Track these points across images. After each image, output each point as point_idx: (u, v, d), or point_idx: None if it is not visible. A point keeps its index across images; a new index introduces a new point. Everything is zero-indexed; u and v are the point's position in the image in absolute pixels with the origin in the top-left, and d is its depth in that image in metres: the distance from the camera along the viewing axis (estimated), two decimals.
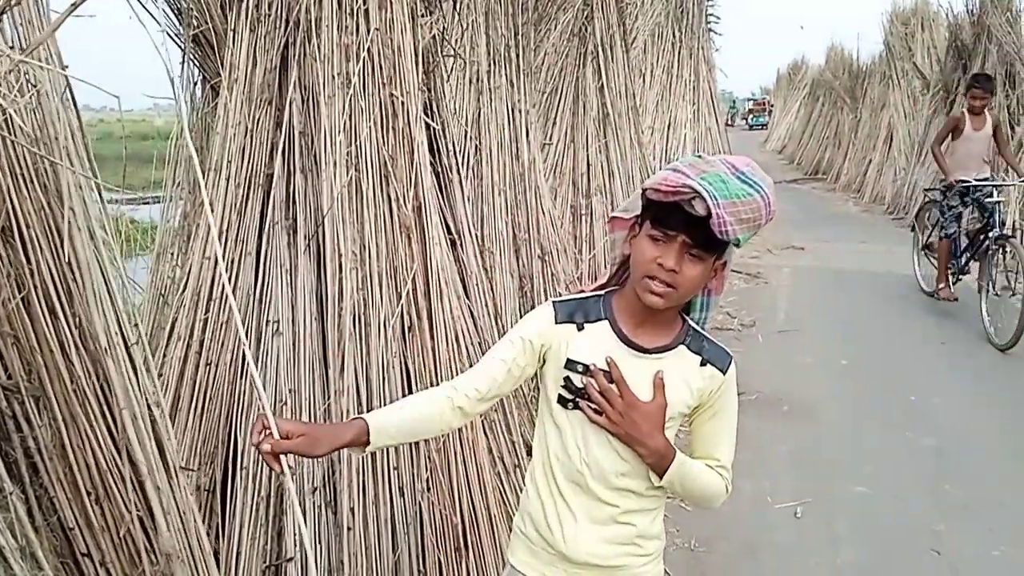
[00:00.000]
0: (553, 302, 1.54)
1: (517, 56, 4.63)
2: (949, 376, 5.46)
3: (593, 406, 1.46)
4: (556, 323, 1.50)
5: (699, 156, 1.41)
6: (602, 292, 1.55)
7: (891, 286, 8.27)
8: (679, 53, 10.89)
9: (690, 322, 1.53)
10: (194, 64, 2.95)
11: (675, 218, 1.36)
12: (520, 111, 4.65)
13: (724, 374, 1.52)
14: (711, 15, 11.89)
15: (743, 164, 1.39)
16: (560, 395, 1.50)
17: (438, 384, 2.56)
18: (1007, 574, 3.18)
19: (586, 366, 1.46)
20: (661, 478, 1.49)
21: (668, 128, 10.77)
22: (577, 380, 1.47)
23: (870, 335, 6.51)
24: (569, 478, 1.51)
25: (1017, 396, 5.07)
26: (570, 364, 1.48)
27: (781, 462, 4.14)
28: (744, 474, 3.94)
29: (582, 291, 1.58)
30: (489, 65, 4.47)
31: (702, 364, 1.50)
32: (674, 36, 10.83)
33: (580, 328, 1.49)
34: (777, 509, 3.65)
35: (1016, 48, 11.08)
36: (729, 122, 28.14)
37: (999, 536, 3.41)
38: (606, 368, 1.45)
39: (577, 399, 1.48)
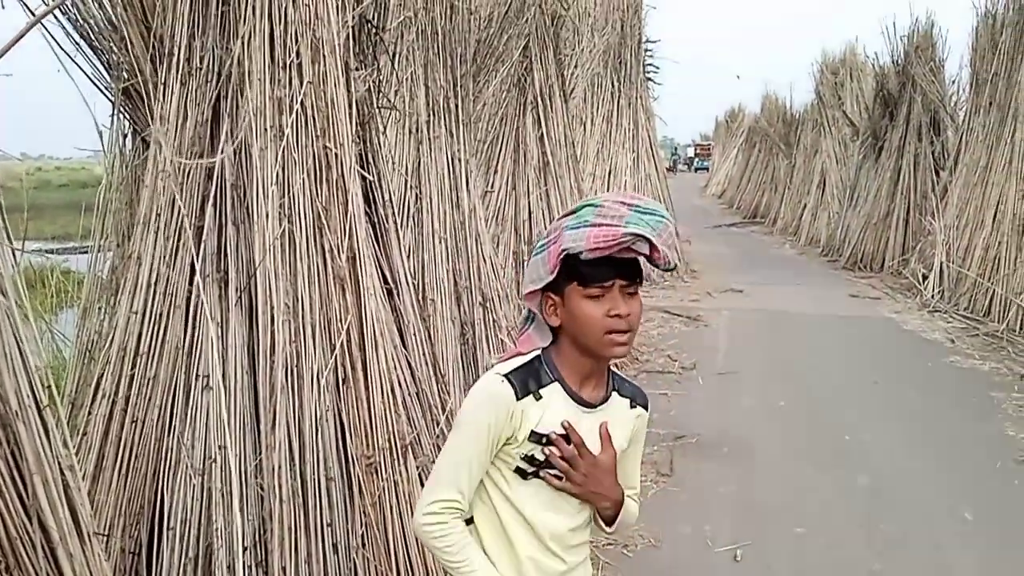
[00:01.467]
0: (506, 376, 1.45)
1: (456, 107, 4.69)
2: (881, 415, 5.60)
3: (554, 472, 1.45)
4: (518, 399, 1.44)
5: (592, 204, 1.40)
6: (537, 353, 1.50)
7: (825, 327, 8.50)
8: (618, 102, 11.16)
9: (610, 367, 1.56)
10: (124, 116, 2.92)
11: (607, 269, 1.39)
12: (460, 160, 4.70)
13: (646, 409, 1.59)
14: (649, 65, 12.23)
15: (631, 198, 1.41)
16: (518, 468, 1.47)
17: (374, 438, 2.57)
18: None
19: (547, 436, 1.44)
20: (610, 524, 1.53)
21: (609, 175, 10.98)
22: (539, 452, 1.45)
23: (806, 376, 6.66)
24: (528, 549, 1.47)
25: (947, 434, 5.22)
26: (534, 436, 1.44)
27: (721, 504, 4.17)
28: (685, 517, 3.97)
29: (518, 353, 1.52)
30: (428, 115, 4.52)
31: (632, 406, 1.56)
32: (613, 86, 11.10)
33: (538, 397, 1.45)
34: (717, 552, 3.67)
35: (939, 96, 11.64)
36: (670, 168, 28.58)
37: (932, 573, 3.48)
38: (563, 432, 1.44)
39: (539, 469, 1.46)
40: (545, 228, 6.71)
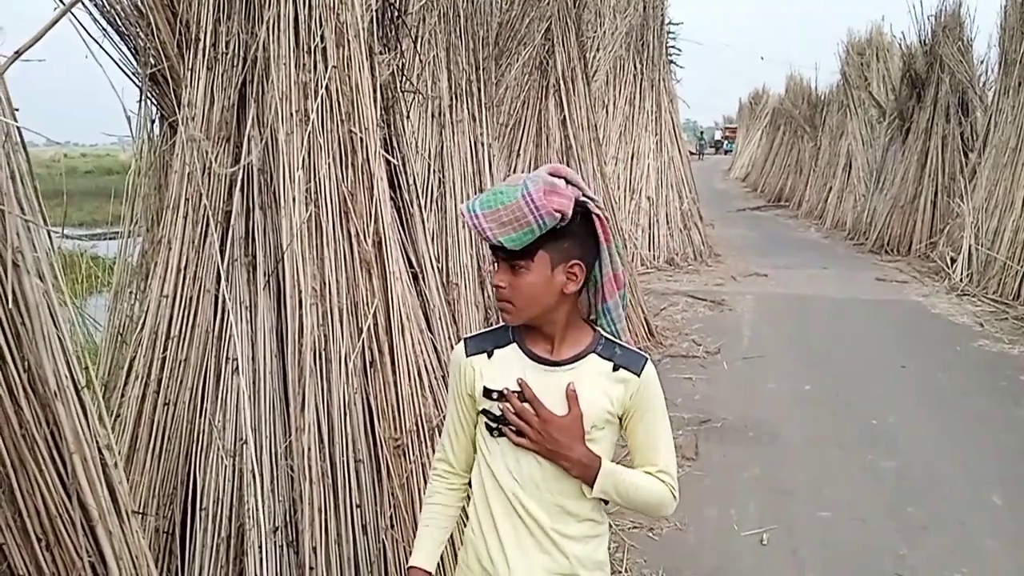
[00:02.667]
0: (464, 339, 1.59)
1: (479, 90, 4.68)
2: (908, 399, 5.55)
3: (514, 429, 1.50)
4: (467, 356, 1.55)
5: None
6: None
7: (852, 311, 8.42)
8: (640, 85, 11.07)
9: (600, 331, 1.56)
10: (151, 102, 2.94)
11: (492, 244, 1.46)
12: (483, 144, 4.69)
13: (639, 376, 1.53)
14: (671, 47, 12.12)
15: (540, 171, 1.47)
16: (486, 424, 1.54)
17: (401, 421, 2.59)
18: None
19: (500, 392, 1.51)
20: (591, 489, 1.52)
21: (631, 158, 10.92)
22: (495, 408, 1.52)
23: (832, 359, 6.60)
24: (505, 507, 1.53)
25: (975, 418, 5.17)
26: (487, 392, 1.52)
27: (747, 488, 4.16)
28: (710, 501, 3.97)
29: None
30: (451, 99, 4.51)
31: (614, 369, 1.53)
32: (635, 68, 11.01)
33: (490, 355, 1.54)
34: (743, 536, 3.66)
35: (968, 76, 11.44)
36: (695, 152, 28.01)
37: (960, 558, 3.45)
38: (518, 389, 1.49)
39: (500, 427, 1.52)
40: None
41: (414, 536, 2.51)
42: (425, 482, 2.58)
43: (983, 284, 8.86)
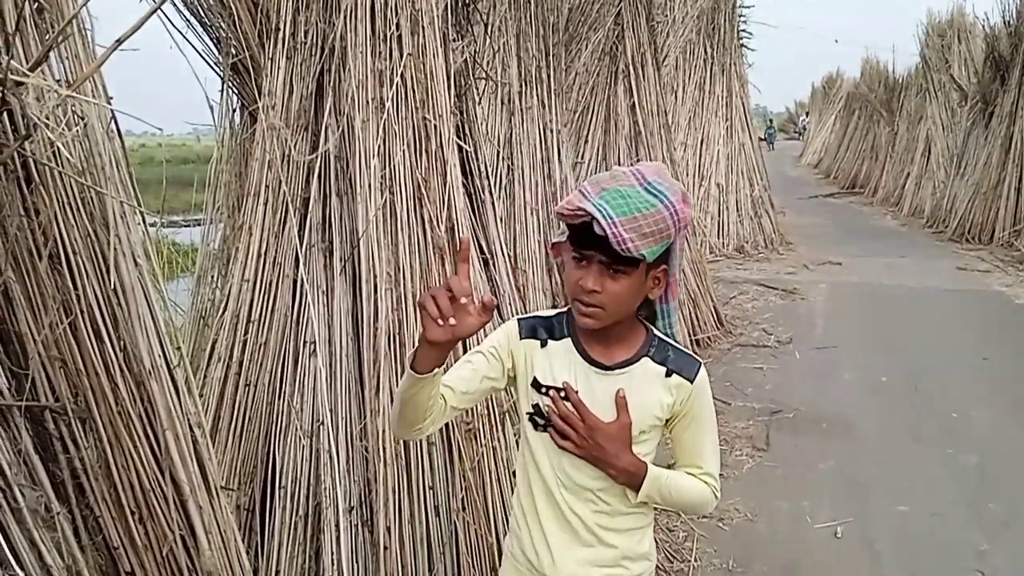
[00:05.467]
0: (518, 319, 1.54)
1: (548, 76, 4.67)
2: (991, 392, 5.35)
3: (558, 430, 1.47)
4: (520, 339, 1.50)
5: (611, 172, 1.41)
6: (567, 309, 1.52)
7: (930, 301, 8.14)
8: (711, 69, 10.87)
9: (655, 331, 1.51)
10: (233, 91, 3.02)
11: (587, 238, 1.35)
12: (552, 131, 4.68)
13: (692, 382, 1.48)
14: (743, 31, 11.85)
15: (652, 173, 1.39)
16: (532, 417, 1.50)
17: (473, 406, 2.61)
18: None
19: (547, 387, 1.47)
20: (637, 494, 1.49)
21: (701, 144, 10.75)
22: (543, 402, 1.48)
23: (909, 351, 6.40)
24: (548, 499, 1.51)
25: None
26: (536, 384, 1.48)
27: (820, 481, 4.08)
28: (782, 493, 3.90)
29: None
30: (520, 86, 4.51)
31: (668, 375, 1.47)
32: (706, 52, 10.81)
33: (543, 344, 1.49)
34: (817, 529, 3.59)
35: None
36: (764, 138, 26.90)
37: None
38: (565, 390, 1.45)
39: (547, 423, 1.48)
40: None
41: (485, 519, 2.55)
42: (496, 465, 2.62)
43: None
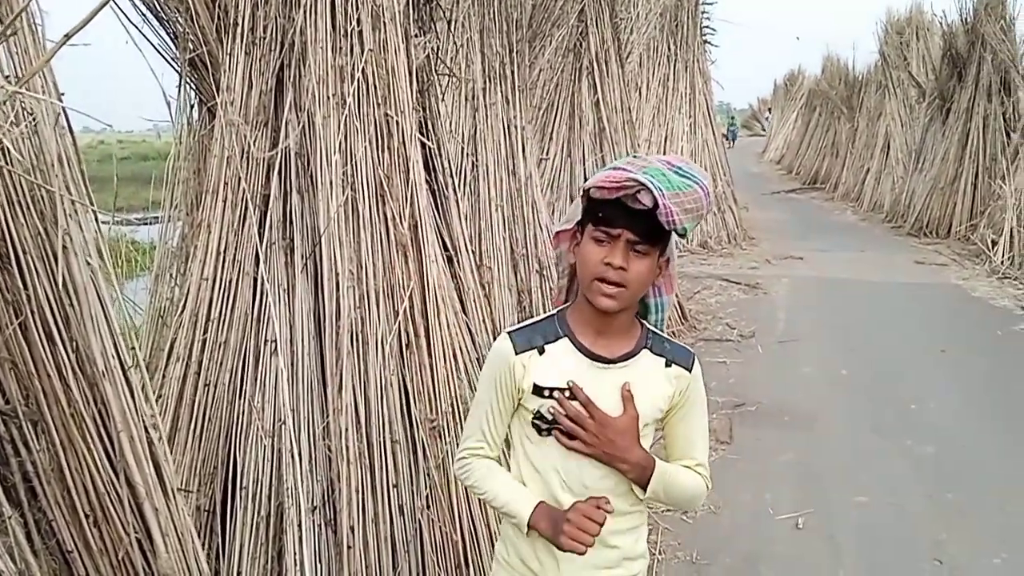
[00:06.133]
0: (508, 333, 1.50)
1: (512, 73, 4.66)
2: (948, 384, 5.46)
3: (565, 431, 1.45)
4: (516, 354, 1.47)
5: (635, 155, 1.44)
6: (554, 312, 1.53)
7: (890, 294, 8.29)
8: (675, 66, 10.95)
9: (648, 325, 1.53)
10: (191, 87, 2.97)
11: (617, 215, 1.37)
12: (516, 127, 4.68)
13: (690, 372, 1.51)
14: (706, 27, 11.95)
15: (678, 160, 1.42)
16: (534, 423, 1.48)
17: (437, 403, 2.60)
18: None
19: (551, 389, 1.45)
20: (644, 491, 1.48)
21: (665, 141, 10.82)
22: (546, 407, 1.45)
23: (869, 344, 6.52)
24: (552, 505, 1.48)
25: (1016, 403, 5.08)
26: (537, 390, 1.45)
27: (782, 473, 4.14)
28: (745, 486, 3.95)
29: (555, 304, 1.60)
30: (484, 82, 4.50)
31: (667, 365, 1.49)
32: (669, 49, 10.89)
33: (541, 352, 1.46)
34: (778, 520, 3.64)
35: (1010, 56, 11.15)
36: (726, 135, 26.88)
37: (1000, 543, 3.40)
38: (570, 390, 1.43)
39: (551, 427, 1.46)
40: None
41: (450, 517, 2.54)
42: None
43: None
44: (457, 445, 2.64)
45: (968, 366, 5.85)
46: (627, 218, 1.36)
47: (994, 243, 9.39)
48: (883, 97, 15.52)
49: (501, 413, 1.52)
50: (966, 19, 11.59)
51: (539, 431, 1.48)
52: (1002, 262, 8.99)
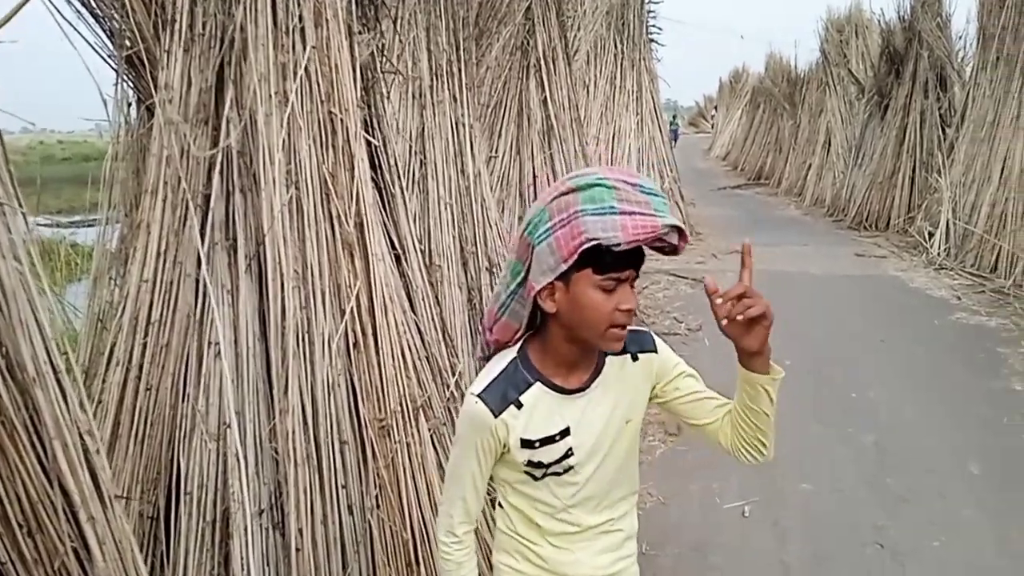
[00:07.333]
0: (479, 397, 1.42)
1: (459, 71, 4.65)
2: (888, 373, 5.62)
3: (564, 466, 1.44)
4: (496, 416, 1.41)
5: (603, 185, 1.29)
6: (513, 357, 1.46)
7: (831, 286, 8.49)
8: (621, 64, 11.05)
9: None
10: (128, 85, 2.90)
11: (627, 259, 1.31)
12: (464, 125, 4.67)
13: (656, 351, 1.52)
14: (652, 26, 12.08)
15: (630, 175, 1.33)
16: (526, 471, 1.46)
17: (386, 402, 2.59)
18: (946, 564, 3.28)
19: (540, 440, 1.42)
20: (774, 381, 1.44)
21: (613, 138, 10.91)
22: (542, 455, 1.43)
23: (812, 334, 6.67)
24: (554, 523, 1.50)
25: (953, 390, 5.25)
26: (526, 444, 1.42)
27: (729, 462, 4.15)
28: (693, 476, 4.01)
29: (500, 345, 1.49)
30: (431, 80, 4.49)
31: (634, 359, 1.49)
32: (616, 48, 10.98)
33: (519, 406, 1.41)
34: (726, 509, 3.71)
35: (946, 52, 11.50)
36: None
37: (938, 527, 3.52)
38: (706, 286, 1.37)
39: (545, 473, 1.45)
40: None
41: (400, 516, 2.53)
42: (411, 461, 2.61)
43: (960, 258, 8.96)
44: (408, 444, 2.64)
45: (907, 355, 6.03)
46: (634, 259, 1.33)
47: (931, 235, 9.67)
48: (824, 94, 15.87)
49: (484, 478, 1.49)
50: (903, 17, 11.92)
51: (534, 478, 1.47)
52: (938, 254, 9.27)
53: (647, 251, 1.36)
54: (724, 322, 1.33)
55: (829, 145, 15.26)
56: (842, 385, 5.37)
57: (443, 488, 1.58)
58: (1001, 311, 7.15)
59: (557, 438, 1.42)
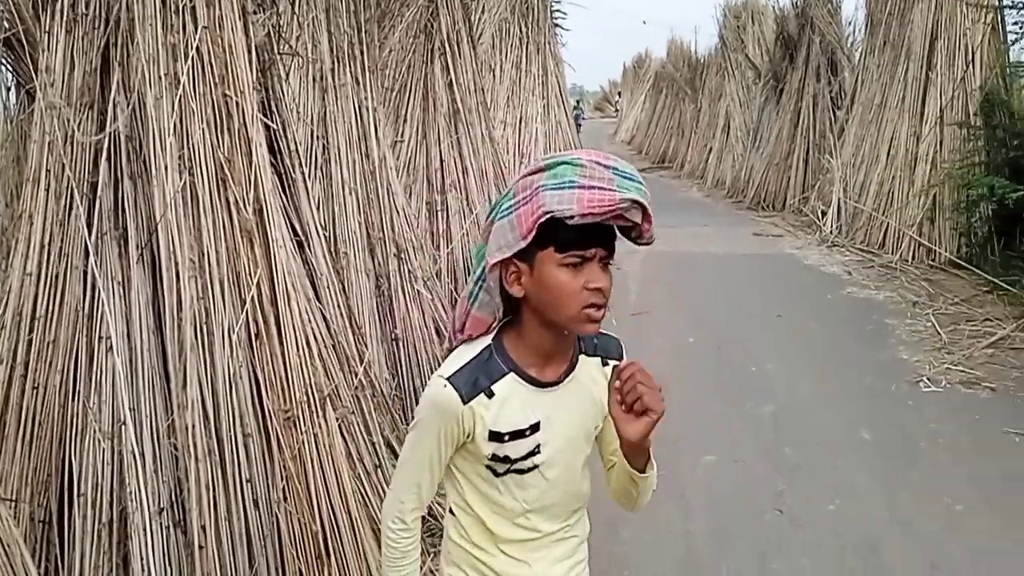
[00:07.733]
0: (448, 380, 1.35)
1: (362, 53, 4.57)
2: (784, 347, 5.86)
3: (526, 466, 1.39)
4: (465, 403, 1.34)
5: (569, 163, 1.28)
6: (488, 344, 1.39)
7: (731, 265, 8.79)
8: (527, 48, 11.06)
9: None
10: (6, 68, 2.74)
11: (592, 236, 1.27)
12: (367, 108, 4.60)
13: (621, 360, 1.45)
14: (556, 11, 12.14)
15: (606, 158, 1.30)
16: (488, 466, 1.40)
17: (291, 392, 2.54)
18: (840, 525, 3.45)
19: (510, 433, 1.35)
20: (645, 465, 1.43)
21: (520, 122, 10.93)
22: (509, 450, 1.37)
23: (714, 312, 6.89)
24: (512, 529, 1.44)
25: (846, 361, 5.52)
26: (494, 436, 1.36)
27: None
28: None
29: (468, 337, 1.42)
30: (333, 63, 4.40)
31: (604, 363, 1.45)
32: (521, 32, 10.98)
33: (490, 395, 1.35)
34: None
35: (837, 37, 11.99)
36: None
37: (833, 492, 3.70)
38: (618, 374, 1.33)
39: (508, 469, 1.39)
40: (457, 177, 6.68)
41: (309, 508, 2.50)
42: (318, 452, 2.57)
43: (851, 235, 9.40)
44: (315, 435, 2.60)
45: (801, 329, 6.30)
46: (598, 236, 1.28)
47: (824, 214, 10.11)
48: (723, 79, 16.32)
49: (441, 466, 1.42)
50: (797, 3, 12.37)
51: (495, 473, 1.40)
52: (831, 231, 9.69)
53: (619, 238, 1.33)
54: (615, 403, 1.32)
55: (728, 129, 15.71)
56: (741, 360, 5.57)
57: (394, 473, 1.50)
58: (888, 284, 7.54)
59: (527, 432, 1.37)
